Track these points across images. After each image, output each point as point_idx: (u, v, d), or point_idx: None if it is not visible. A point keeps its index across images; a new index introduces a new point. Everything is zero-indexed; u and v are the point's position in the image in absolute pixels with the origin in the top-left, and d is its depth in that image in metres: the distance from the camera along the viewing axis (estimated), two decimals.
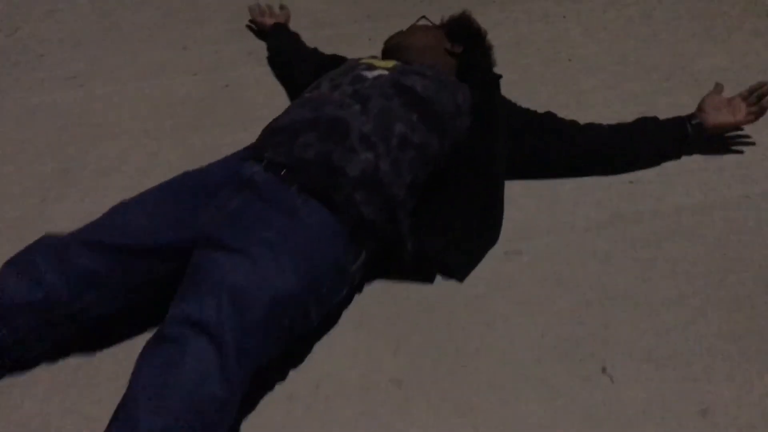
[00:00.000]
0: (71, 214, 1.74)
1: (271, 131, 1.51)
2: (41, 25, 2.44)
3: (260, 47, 2.27)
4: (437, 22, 1.97)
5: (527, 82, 2.05)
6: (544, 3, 2.31)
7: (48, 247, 1.32)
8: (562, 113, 1.81)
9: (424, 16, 1.93)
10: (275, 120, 1.57)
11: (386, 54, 1.84)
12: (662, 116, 1.79)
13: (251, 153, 1.48)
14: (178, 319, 1.17)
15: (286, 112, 1.58)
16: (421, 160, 1.50)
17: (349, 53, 2.15)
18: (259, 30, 2.32)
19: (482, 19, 2.10)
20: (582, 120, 1.76)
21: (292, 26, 2.32)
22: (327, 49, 2.18)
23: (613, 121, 1.81)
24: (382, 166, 1.42)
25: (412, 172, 1.48)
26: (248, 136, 1.75)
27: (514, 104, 1.76)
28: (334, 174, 1.39)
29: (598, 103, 1.96)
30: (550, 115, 1.73)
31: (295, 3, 2.37)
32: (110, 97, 2.12)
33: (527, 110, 1.74)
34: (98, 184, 1.84)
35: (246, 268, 1.22)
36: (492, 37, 1.98)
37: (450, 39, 1.85)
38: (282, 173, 1.40)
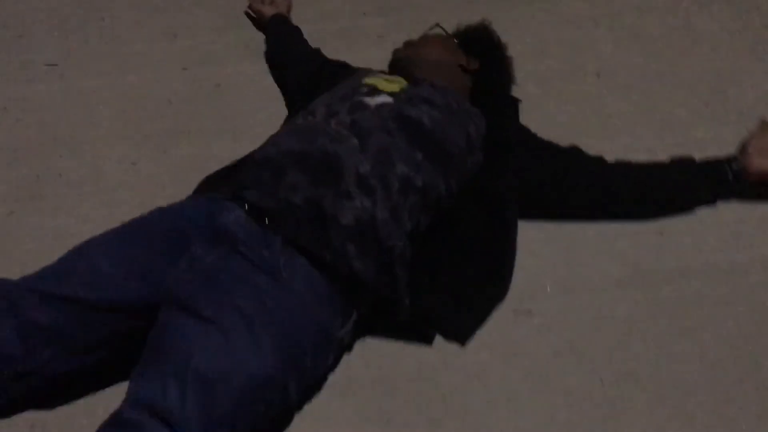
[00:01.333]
0: (41, 231, 1.60)
1: (256, 164, 1.34)
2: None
3: (258, 39, 2.06)
4: (452, 26, 1.76)
5: (548, 97, 1.85)
6: (574, 3, 2.08)
7: None
8: (586, 139, 1.64)
9: (437, 24, 1.72)
10: (261, 148, 1.40)
11: (394, 67, 1.65)
12: (699, 150, 1.60)
13: (231, 191, 1.30)
14: (138, 403, 1.02)
15: (275, 140, 1.40)
16: (424, 206, 1.33)
17: (356, 50, 1.97)
18: (257, 19, 2.10)
19: (504, 17, 1.92)
20: (607, 152, 1.57)
21: (295, 17, 2.11)
22: (331, 46, 1.99)
23: (641, 154, 1.64)
24: (379, 215, 1.25)
25: (413, 220, 1.31)
26: (238, 147, 1.60)
27: (534, 135, 1.57)
28: (325, 224, 1.22)
29: (626, 129, 1.76)
30: (574, 151, 1.54)
31: None
32: (91, 93, 1.94)
33: (549, 144, 1.55)
34: (72, 196, 1.68)
35: (217, 345, 1.07)
36: (513, 39, 1.81)
37: (465, 53, 1.65)
38: (265, 221, 1.22)
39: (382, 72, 1.64)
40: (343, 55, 1.95)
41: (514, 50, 1.81)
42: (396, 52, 1.67)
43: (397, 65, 1.63)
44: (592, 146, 1.60)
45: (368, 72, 1.61)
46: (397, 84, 1.48)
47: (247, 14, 2.14)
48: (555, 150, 1.54)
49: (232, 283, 1.14)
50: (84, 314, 1.15)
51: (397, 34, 2.01)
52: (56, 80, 1.99)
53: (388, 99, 1.42)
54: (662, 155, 1.63)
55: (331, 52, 1.96)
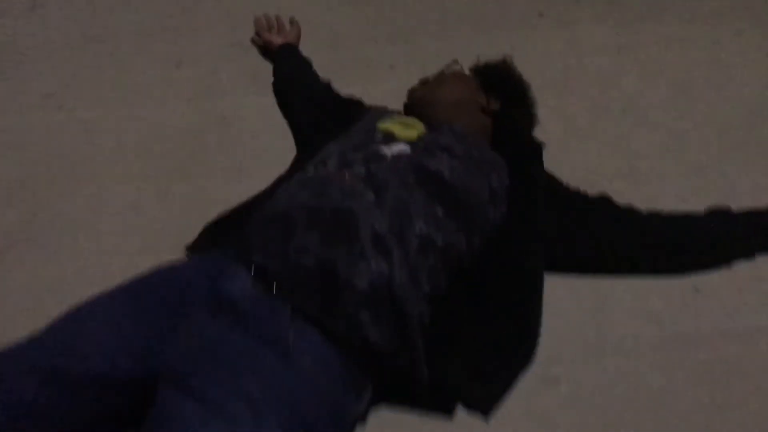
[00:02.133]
0: (31, 281, 1.51)
1: (264, 219, 1.23)
2: (21, 22, 2.13)
3: (264, 69, 1.96)
4: (468, 55, 1.66)
5: (571, 136, 1.75)
6: (599, 29, 1.98)
7: None
8: (612, 183, 1.56)
9: (455, 60, 1.62)
10: (270, 200, 1.30)
11: (410, 109, 1.55)
12: (732, 195, 1.53)
13: (237, 250, 1.20)
14: None
15: (284, 192, 1.30)
16: (444, 266, 1.23)
17: (367, 81, 1.88)
18: (264, 47, 2.00)
19: (522, 47, 1.82)
20: (635, 198, 1.48)
21: (303, 44, 2.01)
22: (341, 76, 1.89)
23: (670, 201, 1.54)
24: (396, 278, 1.15)
25: (432, 281, 1.21)
26: (243, 189, 1.50)
27: (560, 184, 1.47)
28: (338, 291, 1.12)
29: (653, 172, 1.66)
30: (603, 202, 1.44)
31: (307, 16, 2.05)
32: (91, 125, 1.84)
33: (576, 193, 1.45)
34: (68, 241, 1.58)
35: None
36: (535, 70, 1.72)
37: (485, 92, 1.55)
38: (273, 288, 1.12)
39: (398, 113, 1.53)
40: (354, 86, 1.86)
41: (534, 83, 1.71)
42: (412, 93, 1.57)
43: (414, 107, 1.53)
44: (619, 192, 1.51)
45: (383, 113, 1.51)
46: (414, 130, 1.38)
47: (254, 41, 2.03)
48: (583, 200, 1.44)
49: (237, 360, 1.04)
50: (72, 389, 1.06)
51: (408, 63, 1.93)
52: (54, 111, 1.89)
53: (405, 148, 1.32)
54: (693, 201, 1.55)
55: (341, 82, 1.87)
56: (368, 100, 1.81)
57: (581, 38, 1.96)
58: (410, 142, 1.34)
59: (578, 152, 1.69)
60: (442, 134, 1.38)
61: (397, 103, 1.74)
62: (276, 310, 1.09)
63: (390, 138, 1.35)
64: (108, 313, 1.13)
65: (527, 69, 1.75)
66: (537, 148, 1.49)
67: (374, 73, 1.94)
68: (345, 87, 1.86)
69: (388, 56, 1.97)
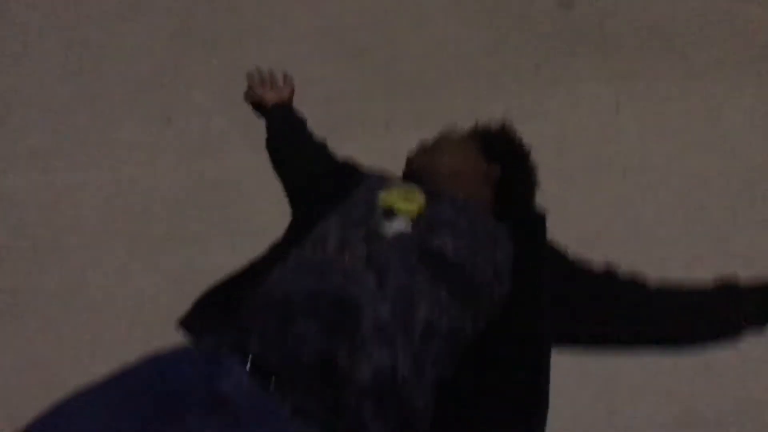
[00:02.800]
0: (15, 359, 1.44)
1: (260, 306, 1.18)
2: (6, 76, 2.07)
3: (258, 127, 1.91)
4: (464, 110, 1.64)
5: (572, 199, 1.71)
6: (597, 85, 1.95)
7: None
8: (615, 250, 1.52)
9: (454, 125, 1.59)
10: (267, 283, 1.24)
11: (409, 176, 1.50)
12: (738, 258, 1.52)
13: (232, 339, 1.15)
14: None
15: (282, 274, 1.24)
16: (449, 350, 1.18)
17: (363, 139, 1.84)
18: (257, 103, 1.95)
19: (522, 101, 1.82)
20: (639, 267, 1.44)
21: (297, 99, 1.97)
22: (337, 134, 1.86)
23: (675, 262, 1.51)
24: (400, 367, 1.10)
25: (437, 368, 1.16)
26: (237, 259, 1.45)
27: (564, 256, 1.43)
28: (339, 383, 1.07)
29: (657, 237, 1.62)
30: (610, 274, 1.40)
31: (301, 71, 2.01)
32: (77, 188, 1.79)
33: (581, 265, 1.41)
34: (53, 315, 1.52)
35: None
36: (533, 128, 1.69)
37: (486, 158, 1.51)
38: (270, 383, 1.07)
39: (397, 181, 1.49)
40: (349, 144, 1.82)
41: (532, 140, 1.67)
42: (411, 160, 1.53)
43: (413, 174, 1.49)
44: (622, 258, 1.49)
45: (382, 181, 1.47)
46: (414, 203, 1.33)
47: (246, 97, 1.99)
48: (588, 272, 1.40)
49: None
50: None
51: (405, 120, 1.90)
52: (38, 172, 1.83)
53: (407, 224, 1.28)
54: (698, 267, 1.52)
55: (335, 140, 1.83)
56: (364, 158, 1.77)
57: (579, 94, 1.93)
58: (412, 217, 1.29)
59: (579, 215, 1.65)
60: (444, 206, 1.34)
61: (393, 162, 1.71)
62: (275, 408, 1.04)
63: (390, 213, 1.30)
64: (95, 414, 1.07)
65: (525, 126, 1.72)
66: (540, 219, 1.45)
67: (370, 130, 1.90)
68: (340, 144, 1.82)
69: (383, 113, 1.93)
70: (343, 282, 1.16)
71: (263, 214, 1.71)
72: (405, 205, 1.33)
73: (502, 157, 1.51)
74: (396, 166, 1.70)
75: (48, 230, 1.69)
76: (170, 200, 1.73)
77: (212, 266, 1.55)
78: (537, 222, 1.44)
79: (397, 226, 1.27)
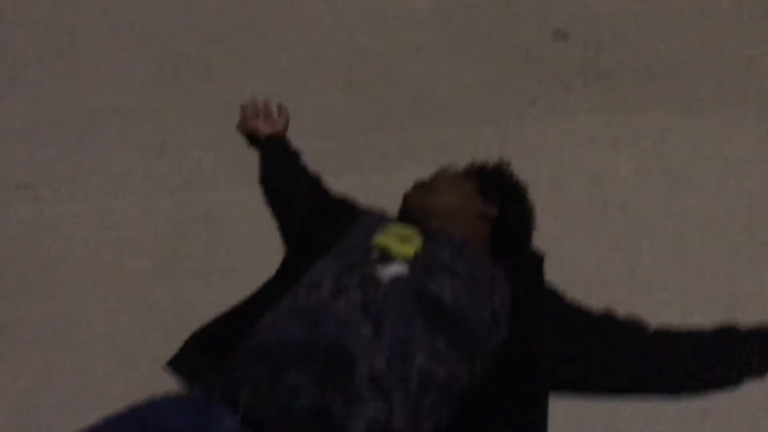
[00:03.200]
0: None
1: (252, 355, 1.15)
2: None
3: (251, 159, 1.89)
4: (459, 143, 1.63)
5: (568, 237, 1.69)
6: (592, 119, 1.93)
7: None
8: (612, 290, 1.51)
9: (451, 163, 1.58)
10: (260, 330, 1.21)
11: (405, 215, 1.48)
12: (739, 300, 1.50)
13: (223, 388, 1.11)
14: None
15: (275, 321, 1.22)
16: (445, 400, 1.16)
17: (359, 173, 1.83)
18: (251, 134, 1.93)
19: (517, 135, 1.84)
20: (637, 309, 1.42)
21: (291, 129, 1.95)
22: (332, 167, 1.84)
23: (674, 306, 1.50)
24: (396, 420, 1.08)
25: (433, 418, 1.14)
26: (229, 296, 1.43)
27: (563, 299, 1.41)
28: None
29: (655, 277, 1.61)
30: (607, 319, 1.38)
31: (295, 101, 1.99)
32: (67, 220, 1.76)
33: (579, 310, 1.39)
34: (39, 355, 1.49)
35: None
36: (528, 163, 1.71)
37: (482, 197, 1.49)
38: None
39: (393, 221, 1.47)
40: (344, 177, 1.81)
41: (527, 176, 1.66)
42: (407, 199, 1.51)
43: (410, 213, 1.47)
44: (620, 300, 1.47)
45: (378, 220, 1.45)
46: (411, 245, 1.31)
47: (240, 128, 1.96)
48: (587, 318, 1.38)
49: None
50: None
51: (400, 154, 1.88)
52: (28, 203, 1.80)
53: (403, 268, 1.25)
54: (698, 310, 1.51)
55: (330, 173, 1.81)
56: (359, 192, 1.75)
57: (575, 129, 1.92)
58: (408, 260, 1.27)
59: (575, 255, 1.63)
60: (441, 248, 1.32)
61: (388, 196, 1.69)
62: None
63: (386, 256, 1.28)
64: None
65: (520, 161, 1.71)
66: (538, 261, 1.43)
67: (365, 163, 1.88)
68: (334, 178, 1.80)
69: (379, 146, 1.91)
70: (337, 330, 1.13)
71: (256, 249, 1.69)
72: (401, 247, 1.31)
73: (499, 196, 1.49)
74: (391, 201, 1.68)
75: (37, 263, 1.66)
76: (161, 234, 1.71)
77: (203, 303, 1.53)
78: (535, 264, 1.42)
79: (394, 270, 1.25)
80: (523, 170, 1.68)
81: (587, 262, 1.63)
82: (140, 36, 2.18)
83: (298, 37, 2.20)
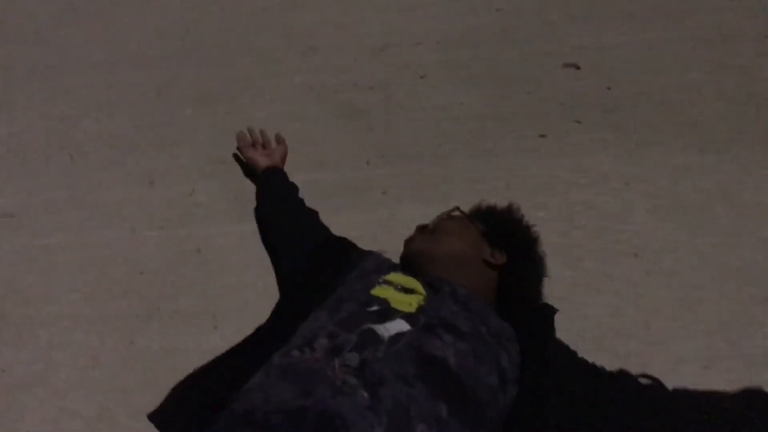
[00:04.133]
0: None
1: (238, 421, 1.06)
2: None
3: (246, 190, 1.80)
4: (464, 179, 1.53)
5: (580, 284, 1.60)
6: (604, 157, 1.85)
7: None
8: (626, 342, 1.43)
9: (457, 208, 1.48)
10: (247, 391, 1.12)
11: (408, 262, 1.39)
12: (761, 357, 1.38)
13: None
14: None
15: (263, 382, 1.12)
16: None
17: (358, 208, 1.75)
18: (246, 165, 1.84)
19: (526, 172, 1.74)
20: (654, 365, 1.35)
21: (288, 160, 1.86)
22: (328, 200, 1.77)
23: (692, 362, 1.43)
24: None
25: None
26: (217, 341, 1.36)
27: (574, 358, 1.31)
28: None
29: (672, 331, 1.51)
30: (622, 380, 1.28)
31: (293, 131, 1.91)
32: (51, 255, 1.67)
33: (592, 370, 1.29)
34: (15, 403, 1.39)
35: None
36: (537, 202, 1.66)
37: (490, 243, 1.40)
38: None
39: (394, 268, 1.38)
40: (342, 213, 1.74)
41: (536, 216, 1.59)
42: (409, 244, 1.42)
43: (412, 261, 1.38)
44: (634, 355, 1.42)
45: (377, 265, 1.36)
46: (412, 297, 1.22)
47: (236, 157, 1.88)
48: (599, 378, 1.27)
49: None
50: None
51: (401, 189, 1.80)
52: (12, 235, 1.71)
53: (404, 326, 1.16)
54: (717, 367, 1.41)
55: (328, 208, 1.73)
56: (358, 230, 1.68)
57: (586, 166, 1.83)
58: (409, 316, 1.18)
59: (587, 305, 1.54)
60: (445, 301, 1.23)
61: (389, 235, 1.63)
62: None
63: (386, 311, 1.18)
64: None
65: (528, 200, 1.64)
66: (548, 317, 1.33)
67: (365, 198, 1.79)
68: (332, 214, 1.72)
69: (379, 180, 1.82)
70: (331, 397, 1.04)
71: (249, 290, 1.60)
72: (402, 300, 1.22)
73: (508, 243, 1.40)
74: (392, 239, 1.62)
75: (18, 303, 1.57)
76: (150, 271, 1.62)
77: (191, 347, 1.46)
78: (545, 321, 1.32)
79: (393, 327, 1.16)
80: (531, 210, 1.60)
81: (599, 312, 1.54)
82: (136, 59, 2.10)
83: (298, 63, 2.12)
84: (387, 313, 1.18)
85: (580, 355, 1.34)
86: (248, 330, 1.41)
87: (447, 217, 1.46)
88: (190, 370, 1.35)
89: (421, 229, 1.44)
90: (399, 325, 1.16)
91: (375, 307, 1.20)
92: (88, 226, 1.72)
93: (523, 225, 1.45)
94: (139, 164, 1.86)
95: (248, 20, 2.21)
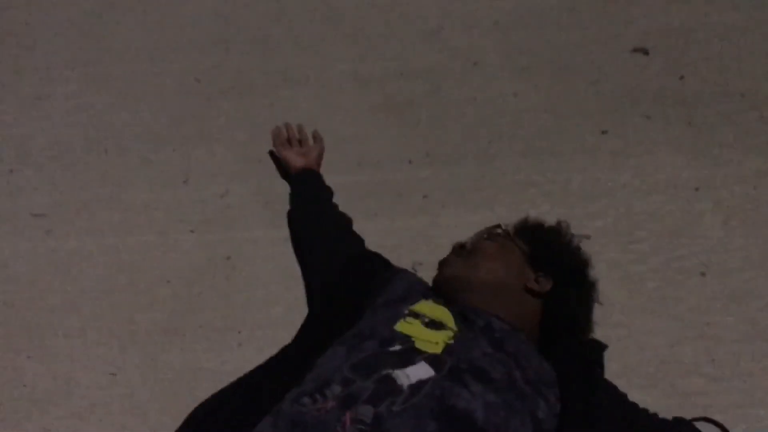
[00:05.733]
0: None
1: None
2: (18, 121, 1.92)
3: (280, 195, 1.70)
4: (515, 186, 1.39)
5: (637, 307, 1.46)
6: (673, 157, 1.66)
7: None
8: (687, 378, 1.33)
9: (499, 225, 1.34)
10: None
11: (440, 289, 1.27)
12: None
13: None
14: None
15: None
16: None
17: (396, 213, 1.64)
18: (282, 165, 1.74)
19: (583, 175, 1.64)
20: (716, 402, 1.20)
21: (325, 159, 1.75)
22: (366, 202, 1.67)
23: (760, 403, 1.23)
24: None
25: None
26: (240, 361, 1.26)
27: (623, 401, 1.18)
28: None
29: (739, 364, 1.37)
30: (678, 429, 1.13)
31: (332, 128, 1.80)
32: (77, 259, 1.62)
33: (642, 418, 1.15)
34: (34, 417, 1.35)
35: None
36: (592, 214, 1.57)
37: (534, 267, 1.26)
38: None
39: (425, 293, 1.25)
40: (380, 223, 1.64)
41: (592, 226, 1.50)
42: (444, 267, 1.29)
43: (446, 287, 1.25)
44: (697, 394, 1.32)
45: (407, 290, 1.25)
46: (441, 334, 1.10)
47: (272, 155, 1.78)
48: (654, 429, 1.13)
49: None
50: None
51: (444, 194, 1.67)
52: (41, 237, 1.67)
53: (428, 371, 1.04)
54: None
55: (365, 216, 1.63)
56: (394, 238, 1.60)
57: (651, 168, 1.65)
58: (434, 360, 1.06)
59: (644, 332, 1.39)
60: (477, 339, 1.10)
61: (428, 244, 1.55)
62: None
63: (409, 352, 1.07)
64: None
65: (584, 207, 1.51)
66: (597, 357, 1.19)
67: (404, 203, 1.67)
68: (367, 219, 1.63)
69: (421, 182, 1.69)
70: None
71: (277, 304, 1.51)
72: (428, 338, 1.10)
73: (554, 267, 1.25)
74: (430, 249, 1.54)
75: (42, 311, 1.53)
76: (177, 280, 1.55)
77: (213, 366, 1.39)
78: (593, 358, 1.18)
79: (415, 373, 1.04)
80: (586, 220, 1.48)
81: (657, 342, 1.38)
82: (177, 46, 2.02)
83: (342, 49, 1.99)
84: (410, 354, 1.07)
85: (631, 395, 1.20)
86: (273, 349, 1.32)
87: (487, 236, 1.32)
88: (209, 393, 1.27)
89: (458, 249, 1.31)
90: (422, 371, 1.04)
91: (397, 347, 1.08)
92: (117, 229, 1.66)
93: (573, 247, 1.30)
94: (173, 158, 1.79)
95: (290, 3, 2.08)
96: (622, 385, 1.21)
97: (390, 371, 1.04)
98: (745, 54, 1.83)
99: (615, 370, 1.27)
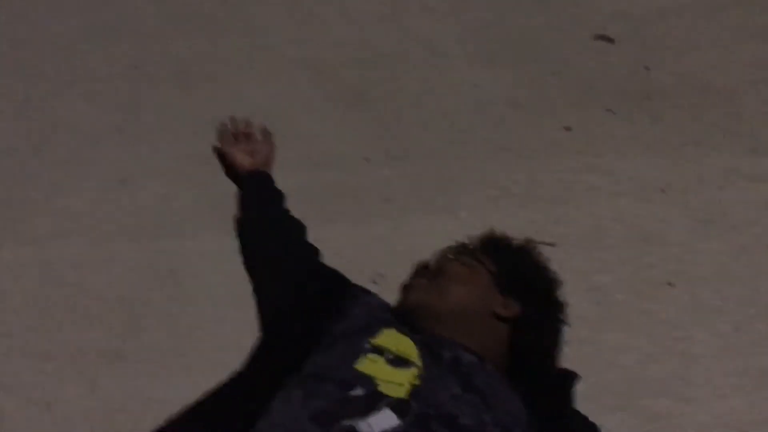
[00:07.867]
0: None
1: None
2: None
3: (228, 198, 1.58)
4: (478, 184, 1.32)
5: (606, 320, 1.40)
6: (642, 158, 1.61)
7: None
8: (656, 398, 1.24)
9: (463, 243, 1.26)
10: None
11: (403, 315, 1.19)
12: None
13: None
14: None
15: None
16: None
17: (352, 220, 1.53)
18: (228, 165, 1.62)
19: (545, 182, 1.56)
20: (684, 424, 1.16)
21: (279, 156, 1.63)
22: (319, 209, 1.55)
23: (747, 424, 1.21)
24: None
25: None
26: (187, 389, 1.18)
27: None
28: None
29: (710, 383, 1.31)
30: None
31: (287, 119, 1.68)
32: (4, 272, 1.47)
33: None
34: None
35: None
36: (556, 219, 1.50)
37: (501, 290, 1.19)
38: None
39: (387, 321, 1.17)
40: (337, 228, 1.54)
41: (554, 235, 1.38)
42: (407, 292, 1.22)
43: (410, 314, 1.18)
44: (665, 416, 1.24)
45: (368, 319, 1.17)
46: (405, 376, 1.03)
47: (216, 153, 1.65)
48: None
49: None
50: None
51: (407, 196, 1.56)
52: None
53: (392, 420, 0.97)
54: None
55: (320, 222, 1.51)
56: (352, 247, 1.50)
57: (618, 168, 1.58)
58: (398, 405, 0.99)
59: (614, 349, 1.34)
60: (443, 379, 1.04)
61: (390, 253, 1.47)
62: None
63: (372, 397, 0.99)
64: None
65: (547, 212, 1.45)
66: (568, 387, 1.14)
67: (363, 207, 1.58)
68: (322, 225, 1.51)
69: (382, 180, 1.60)
70: None
71: (226, 324, 1.40)
72: (392, 379, 1.03)
73: (523, 291, 1.19)
74: (393, 259, 1.44)
75: None
76: (114, 297, 1.43)
77: (157, 396, 1.29)
78: (564, 392, 1.13)
79: (379, 422, 0.97)
80: (549, 225, 1.45)
81: (628, 359, 1.33)
82: (110, 33, 1.85)
83: (293, 34, 1.86)
84: (373, 399, 0.99)
85: (601, 419, 1.16)
86: (223, 374, 1.23)
87: (453, 256, 1.24)
88: (156, 424, 1.18)
89: (422, 270, 1.23)
90: (386, 420, 0.97)
91: (359, 391, 1.01)
92: (50, 238, 1.52)
93: (542, 268, 1.24)
94: (110, 161, 1.65)
95: None
96: (591, 409, 1.16)
97: (352, 422, 0.96)
98: (711, 42, 1.78)
99: (583, 391, 1.21)
